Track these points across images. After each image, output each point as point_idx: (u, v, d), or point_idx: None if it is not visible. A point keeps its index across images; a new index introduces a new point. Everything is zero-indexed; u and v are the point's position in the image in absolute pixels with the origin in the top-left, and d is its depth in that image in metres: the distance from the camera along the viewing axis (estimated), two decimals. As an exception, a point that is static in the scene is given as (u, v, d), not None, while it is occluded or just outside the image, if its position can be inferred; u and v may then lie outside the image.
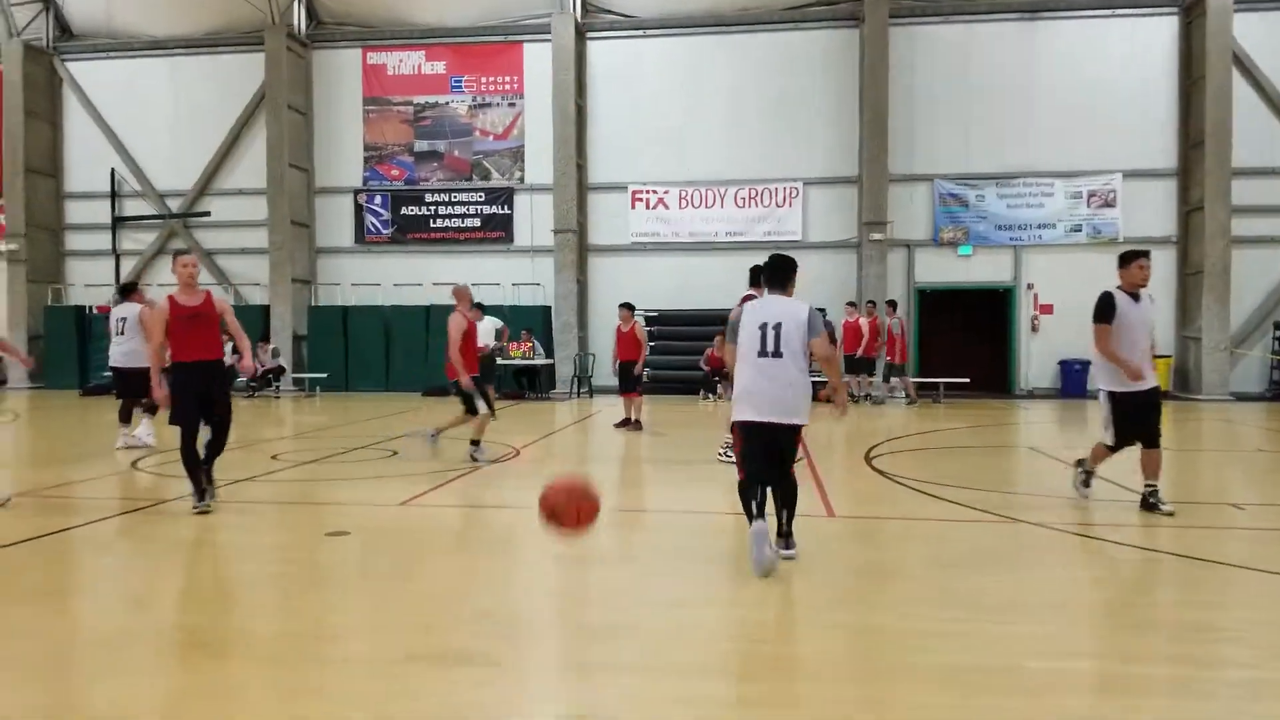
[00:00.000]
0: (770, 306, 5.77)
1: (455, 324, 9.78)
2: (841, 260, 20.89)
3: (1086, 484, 7.68)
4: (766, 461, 5.54)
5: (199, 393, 7.00)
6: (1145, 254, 7.25)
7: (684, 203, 21.37)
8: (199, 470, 7.08)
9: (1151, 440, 7.20)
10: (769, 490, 5.63)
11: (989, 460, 10.88)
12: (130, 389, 10.88)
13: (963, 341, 21.19)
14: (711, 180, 21.23)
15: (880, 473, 9.10)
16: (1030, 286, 20.50)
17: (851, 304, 19.30)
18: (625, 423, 13.37)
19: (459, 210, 22.30)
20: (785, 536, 5.70)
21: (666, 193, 21.42)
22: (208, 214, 22.92)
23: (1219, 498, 8.38)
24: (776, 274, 5.93)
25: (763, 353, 5.59)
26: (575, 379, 20.77)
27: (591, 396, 20.14)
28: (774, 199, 21.05)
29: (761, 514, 5.40)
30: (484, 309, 14.79)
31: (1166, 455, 11.32)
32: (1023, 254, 20.50)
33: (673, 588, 5.14)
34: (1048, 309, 20.38)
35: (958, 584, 5.13)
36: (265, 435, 12.38)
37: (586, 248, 21.79)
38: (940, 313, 21.17)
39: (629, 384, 13.47)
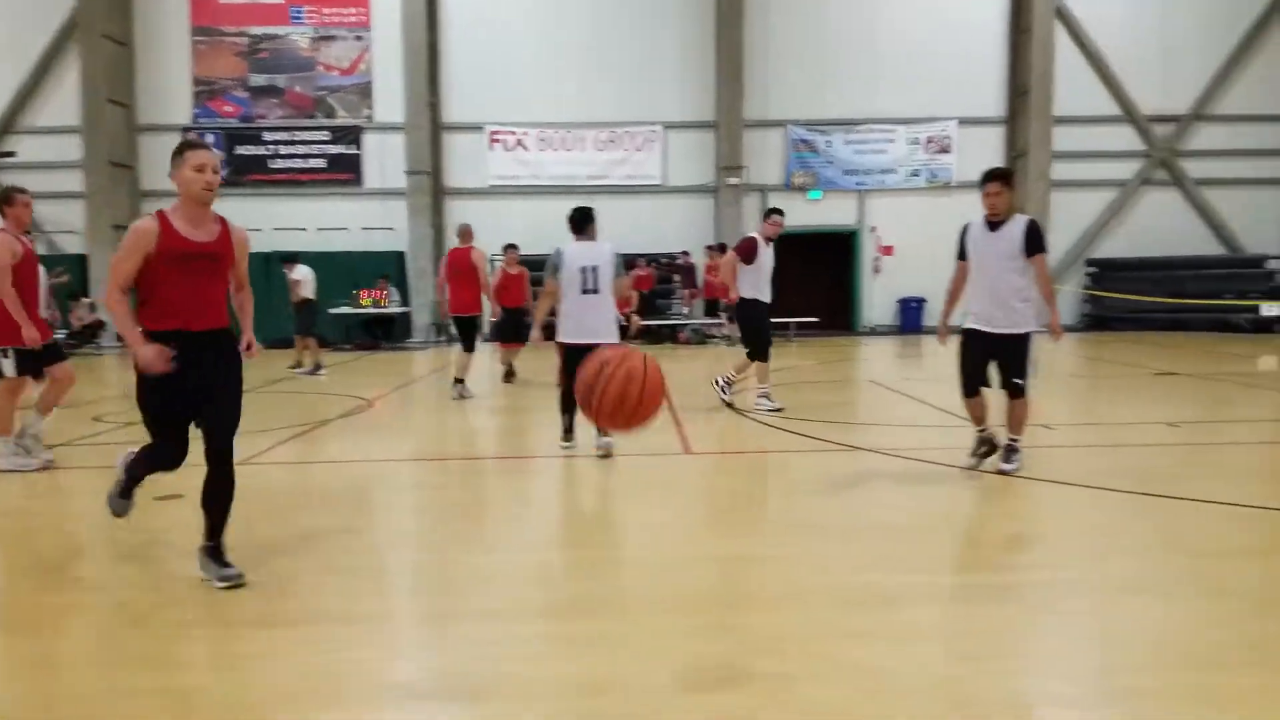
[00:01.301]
0: (587, 251, 7.08)
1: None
2: (701, 204, 21.29)
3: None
4: None
5: (188, 385, 3.99)
6: (988, 177, 6.14)
7: (543, 145, 21.19)
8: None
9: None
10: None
11: (835, 394, 11.51)
12: None
13: (812, 283, 22.08)
14: (572, 122, 21.12)
15: (735, 409, 9.52)
16: (873, 229, 21.51)
17: (710, 247, 19.78)
18: (510, 374, 12.49)
19: (301, 150, 21.35)
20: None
21: (525, 134, 21.18)
22: (12, 154, 20.94)
23: (1033, 420, 9.20)
24: (581, 223, 7.23)
25: (584, 289, 6.96)
26: (433, 326, 20.48)
27: (449, 345, 19.94)
28: (634, 143, 21.16)
29: (572, 435, 7.06)
30: (298, 259, 14.35)
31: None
32: (866, 198, 21.45)
33: (532, 532, 5.33)
34: (888, 251, 21.45)
35: (804, 510, 5.53)
36: (86, 396, 11.51)
37: (443, 190, 21.35)
38: (791, 255, 21.86)
39: (515, 333, 12.50)
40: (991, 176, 6.06)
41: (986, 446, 6.36)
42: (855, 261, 21.73)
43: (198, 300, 4.00)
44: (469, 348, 11.02)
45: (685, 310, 19.80)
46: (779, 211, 9.78)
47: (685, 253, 20.10)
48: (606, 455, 6.92)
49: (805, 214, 21.40)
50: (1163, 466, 6.50)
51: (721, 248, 19.17)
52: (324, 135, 21.31)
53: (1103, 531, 4.94)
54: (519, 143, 21.22)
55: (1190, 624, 3.57)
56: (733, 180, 20.52)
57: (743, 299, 9.36)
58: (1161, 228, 21.37)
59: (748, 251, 9.30)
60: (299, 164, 21.35)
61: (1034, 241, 5.98)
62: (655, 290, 19.58)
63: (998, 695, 3.00)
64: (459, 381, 10.75)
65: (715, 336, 19.23)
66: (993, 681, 3.09)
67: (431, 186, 20.71)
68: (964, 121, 21.28)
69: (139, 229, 3.92)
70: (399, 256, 20.85)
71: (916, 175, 21.32)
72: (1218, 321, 19.65)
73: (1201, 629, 3.51)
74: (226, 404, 4.09)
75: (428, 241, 20.61)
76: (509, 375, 12.41)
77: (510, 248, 13.39)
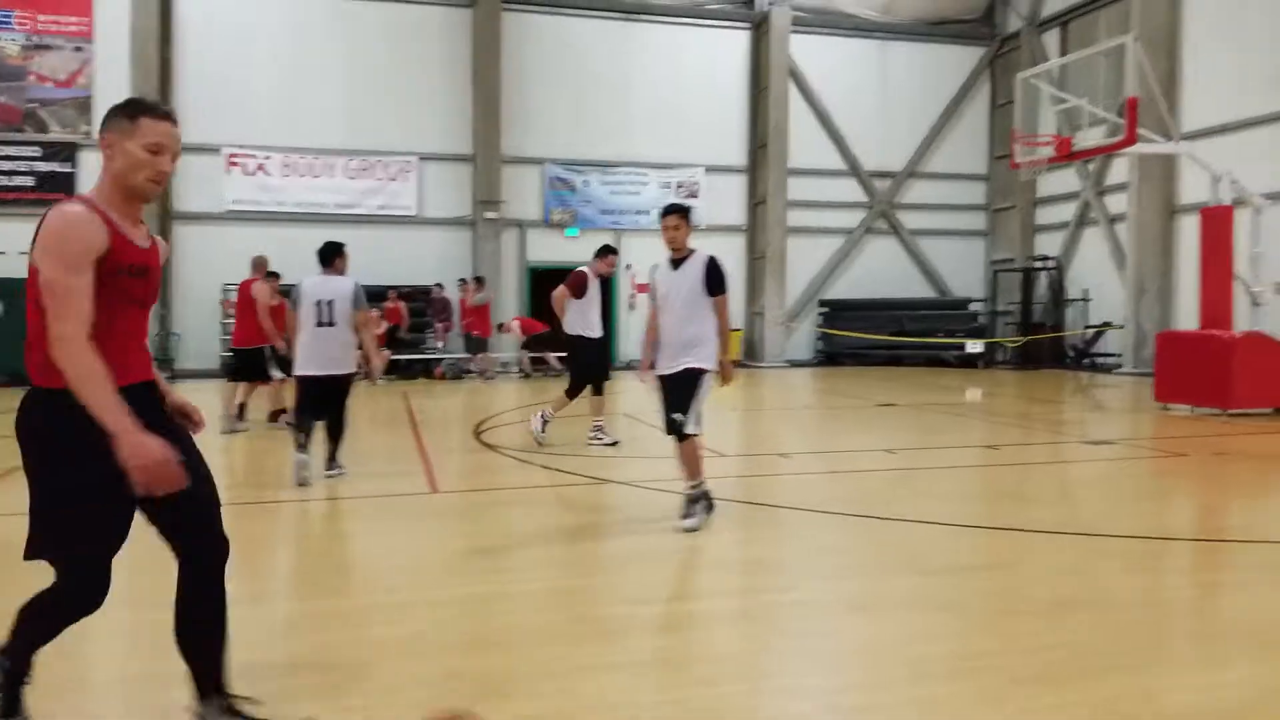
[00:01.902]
0: (324, 285, 7.30)
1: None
2: (458, 237, 21.01)
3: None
4: (323, 403, 7.33)
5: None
6: (666, 211, 6.12)
7: (289, 170, 20.12)
8: None
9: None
10: (322, 426, 7.34)
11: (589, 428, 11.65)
12: None
13: (570, 318, 22.38)
14: (321, 149, 20.23)
15: (488, 446, 9.40)
16: (629, 267, 22.15)
17: (464, 281, 19.56)
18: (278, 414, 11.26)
19: (6, 166, 19.02)
20: (332, 459, 7.43)
21: (269, 158, 20.02)
22: None
23: (774, 448, 9.78)
24: (327, 256, 7.48)
25: (319, 323, 7.18)
26: (157, 362, 18.79)
27: (173, 380, 18.35)
28: (388, 172, 20.58)
29: (307, 449, 7.08)
30: None
31: (733, 416, 13.01)
32: (623, 237, 22.08)
33: (260, 581, 4.97)
34: (644, 288, 22.17)
35: (546, 546, 5.51)
36: None
37: (171, 214, 19.72)
38: (551, 290, 22.11)
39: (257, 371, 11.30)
40: (669, 211, 6.01)
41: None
42: (613, 298, 22.28)
43: (140, 339, 2.76)
44: (257, 378, 10.82)
45: (439, 345, 19.43)
46: (613, 250, 9.60)
47: (439, 285, 19.76)
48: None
49: (564, 251, 21.69)
50: (884, 490, 7.09)
51: (479, 281, 19.05)
52: (34, 151, 19.10)
53: (832, 553, 5.29)
54: (260, 167, 20.03)
55: (912, 639, 3.85)
56: (490, 214, 20.47)
57: (573, 335, 9.29)
58: (883, 272, 23.58)
59: (578, 286, 9.20)
60: (3, 181, 18.99)
61: (714, 281, 5.84)
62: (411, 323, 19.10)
63: (737, 717, 3.09)
64: (279, 414, 10.56)
65: (471, 371, 18.99)
66: (730, 704, 3.19)
67: (159, 209, 19.07)
68: (711, 169, 22.50)
69: (81, 220, 2.50)
70: (122, 284, 18.96)
71: (668, 217, 22.22)
72: (932, 357, 21.88)
73: (921, 643, 3.79)
74: (204, 485, 2.79)
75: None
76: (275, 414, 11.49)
77: (271, 276, 12.40)
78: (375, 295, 19.15)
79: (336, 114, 20.28)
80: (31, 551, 2.59)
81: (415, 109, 20.65)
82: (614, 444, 9.17)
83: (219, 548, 2.84)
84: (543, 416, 9.29)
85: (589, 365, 9.39)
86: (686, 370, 5.77)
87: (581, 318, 9.21)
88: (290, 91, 20.04)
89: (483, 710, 3.10)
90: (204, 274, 19.41)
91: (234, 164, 19.87)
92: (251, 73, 19.85)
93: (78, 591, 2.63)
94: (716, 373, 5.93)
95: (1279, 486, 7.51)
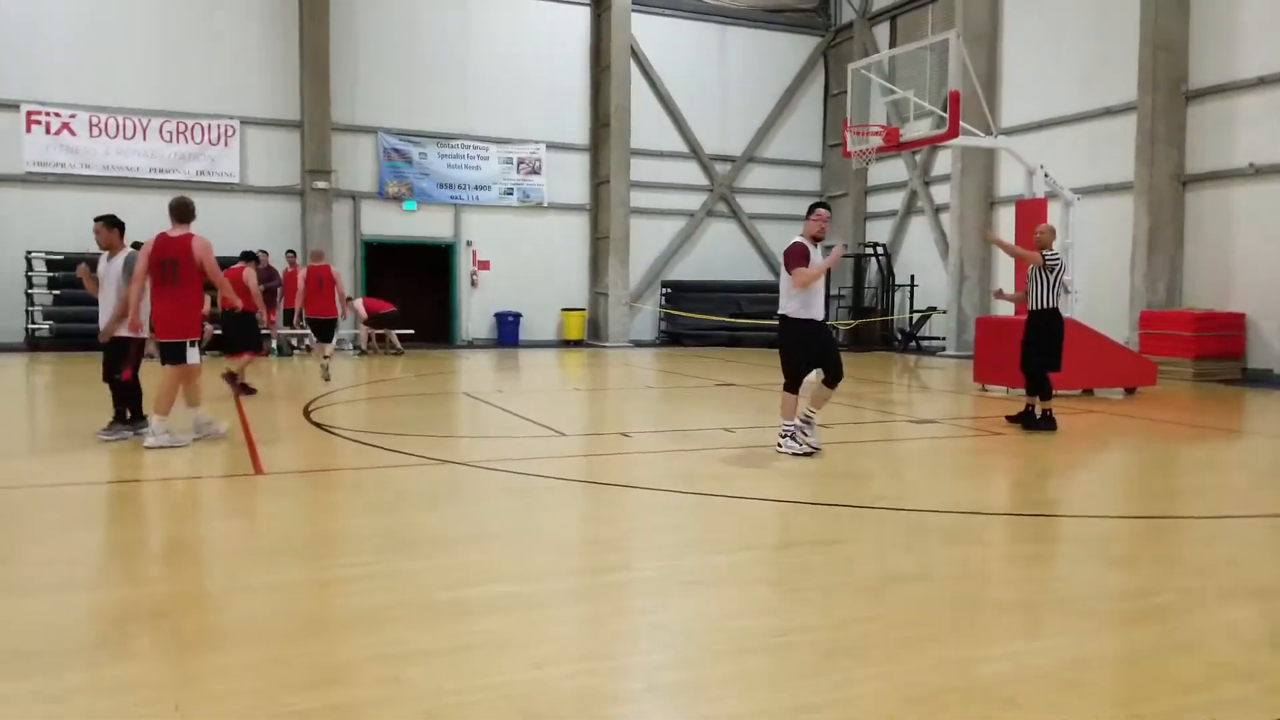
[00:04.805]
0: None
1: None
2: (286, 207, 19.94)
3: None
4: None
5: None
6: (823, 205, 7.74)
7: (97, 130, 18.51)
8: None
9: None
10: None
11: (428, 408, 11.33)
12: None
13: (410, 293, 21.72)
14: (133, 109, 18.71)
15: (319, 426, 8.96)
16: (469, 244, 21.69)
17: (292, 252, 18.63)
18: (243, 387, 11.11)
19: None
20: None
21: (74, 117, 18.35)
22: None
23: (615, 428, 9.78)
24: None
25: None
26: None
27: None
28: (207, 136, 19.27)
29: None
30: None
31: (575, 396, 12.95)
32: (462, 213, 21.58)
33: (60, 570, 4.51)
34: (485, 265, 21.77)
35: (384, 529, 5.26)
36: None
37: (-40, 174, 17.82)
38: (387, 265, 21.41)
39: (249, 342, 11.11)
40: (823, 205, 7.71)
41: None
42: (453, 275, 21.76)
43: None
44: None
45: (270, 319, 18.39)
46: (822, 204, 7.88)
47: (264, 252, 18.58)
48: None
49: (402, 225, 21.05)
50: (722, 468, 7.17)
51: (316, 255, 18.08)
52: None
53: (672, 530, 5.29)
54: (65, 126, 18.35)
55: (735, 614, 3.88)
56: (320, 184, 19.52)
57: (792, 319, 7.52)
58: (723, 254, 24.05)
59: (801, 256, 7.39)
60: None
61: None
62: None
63: (561, 699, 3.01)
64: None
65: (299, 347, 18.12)
66: (558, 685, 3.11)
67: (-55, 168, 17.19)
68: (552, 146, 22.25)
69: None
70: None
71: (510, 194, 21.87)
72: (768, 340, 22.45)
73: (744, 618, 3.82)
74: None
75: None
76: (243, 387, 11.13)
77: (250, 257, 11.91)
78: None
79: (149, 71, 18.82)
80: None
81: (237, 69, 19.42)
82: (810, 453, 7.43)
83: None
84: (805, 418, 7.60)
85: (806, 350, 7.56)
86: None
87: (798, 295, 7.43)
88: (98, 45, 18.45)
89: (306, 698, 2.91)
90: (4, 240, 17.68)
91: (35, 122, 18.12)
92: (52, 24, 18.15)
93: None
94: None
95: (1086, 463, 8.12)
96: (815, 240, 7.51)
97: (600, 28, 22.39)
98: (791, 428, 7.48)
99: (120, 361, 7.90)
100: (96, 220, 8.05)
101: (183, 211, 7.71)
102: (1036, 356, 9.06)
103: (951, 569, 4.60)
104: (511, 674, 3.21)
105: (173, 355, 7.63)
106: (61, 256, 17.46)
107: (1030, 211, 12.65)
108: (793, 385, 7.54)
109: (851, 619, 3.81)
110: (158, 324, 7.71)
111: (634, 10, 22.30)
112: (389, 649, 3.39)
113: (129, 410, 8.05)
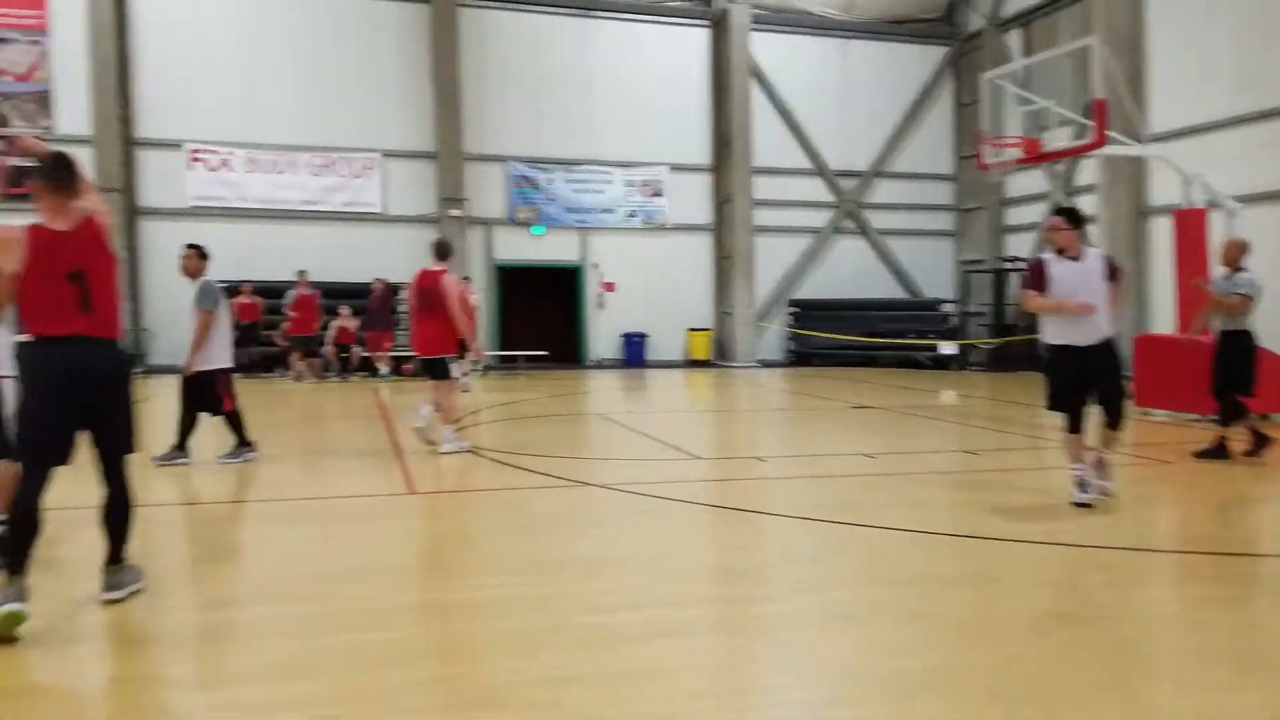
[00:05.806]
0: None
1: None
2: (424, 235, 20.71)
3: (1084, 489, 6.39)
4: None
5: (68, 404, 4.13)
6: (1058, 213, 6.54)
7: (252, 166, 19.77)
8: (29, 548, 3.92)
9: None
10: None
11: (563, 427, 11.53)
12: None
13: (541, 316, 22.26)
14: (284, 145, 19.89)
15: (478, 453, 9.23)
16: (596, 266, 22.03)
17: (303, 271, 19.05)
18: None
19: (-33, 161, 18.47)
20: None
21: (231, 154, 19.65)
22: None
23: (748, 451, 9.71)
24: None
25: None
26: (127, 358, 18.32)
27: (147, 376, 17.94)
28: (351, 169, 20.29)
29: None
30: None
31: (707, 417, 12.92)
32: (588, 236, 21.95)
33: (230, 587, 4.79)
34: (610, 286, 22.07)
35: (527, 550, 5.37)
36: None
37: (136, 210, 19.30)
38: (519, 289, 21.99)
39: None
40: (1059, 212, 6.57)
41: None
42: (580, 296, 22.14)
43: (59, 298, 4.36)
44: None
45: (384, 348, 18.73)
46: (1058, 211, 6.66)
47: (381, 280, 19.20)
48: None
49: (531, 249, 21.56)
50: (863, 496, 6.99)
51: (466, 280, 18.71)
52: (-5, 144, 18.55)
53: (813, 562, 5.20)
54: (224, 163, 19.64)
55: (887, 651, 3.77)
56: (454, 212, 20.24)
57: (1050, 345, 6.57)
58: (853, 272, 23.61)
59: (1038, 276, 6.43)
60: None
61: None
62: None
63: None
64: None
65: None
66: (722, 718, 3.10)
67: (124, 205, 18.64)
68: (675, 168, 22.41)
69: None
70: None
71: (634, 216, 22.14)
72: (904, 359, 21.90)
73: (895, 656, 3.71)
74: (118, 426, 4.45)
75: (120, 264, 18.38)
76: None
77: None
78: (338, 293, 18.92)
79: (298, 110, 19.95)
80: None
81: (376, 106, 20.38)
82: (1087, 504, 6.34)
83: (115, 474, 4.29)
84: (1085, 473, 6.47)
85: (1062, 381, 6.51)
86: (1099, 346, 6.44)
87: (1051, 318, 6.46)
88: (252, 87, 19.70)
89: (471, 718, 2.99)
90: (171, 270, 19.00)
91: (196, 159, 19.48)
92: (211, 68, 19.49)
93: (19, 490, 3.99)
94: None
95: (1268, 496, 7.56)
96: (1061, 252, 6.37)
97: (720, 48, 22.46)
98: (1079, 472, 6.42)
99: (211, 395, 8.10)
100: (188, 248, 8.55)
101: (440, 250, 9.14)
102: (1225, 380, 8.40)
103: (1125, 609, 4.36)
104: (670, 703, 3.21)
105: (436, 370, 8.80)
106: (223, 284, 18.59)
107: (1189, 222, 11.92)
108: (1066, 423, 6.49)
109: (1015, 659, 3.65)
110: (421, 344, 8.87)
111: (753, 29, 22.28)
112: (546, 672, 3.46)
113: (237, 435, 8.32)
